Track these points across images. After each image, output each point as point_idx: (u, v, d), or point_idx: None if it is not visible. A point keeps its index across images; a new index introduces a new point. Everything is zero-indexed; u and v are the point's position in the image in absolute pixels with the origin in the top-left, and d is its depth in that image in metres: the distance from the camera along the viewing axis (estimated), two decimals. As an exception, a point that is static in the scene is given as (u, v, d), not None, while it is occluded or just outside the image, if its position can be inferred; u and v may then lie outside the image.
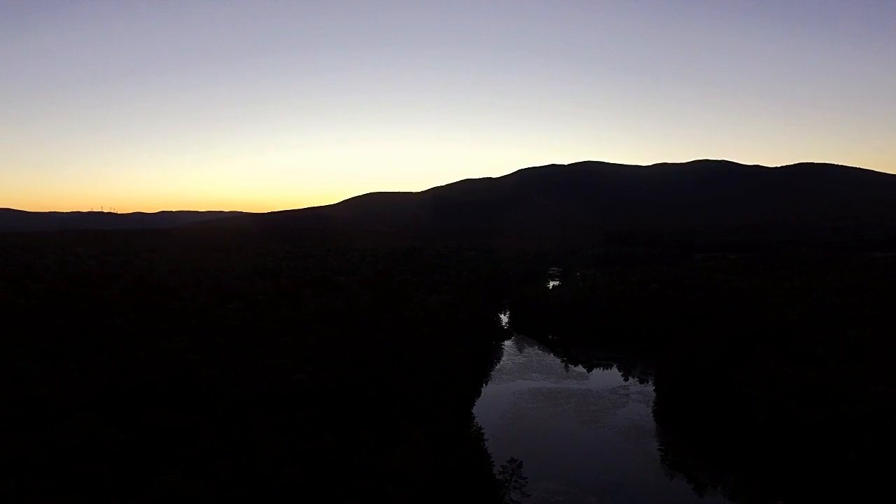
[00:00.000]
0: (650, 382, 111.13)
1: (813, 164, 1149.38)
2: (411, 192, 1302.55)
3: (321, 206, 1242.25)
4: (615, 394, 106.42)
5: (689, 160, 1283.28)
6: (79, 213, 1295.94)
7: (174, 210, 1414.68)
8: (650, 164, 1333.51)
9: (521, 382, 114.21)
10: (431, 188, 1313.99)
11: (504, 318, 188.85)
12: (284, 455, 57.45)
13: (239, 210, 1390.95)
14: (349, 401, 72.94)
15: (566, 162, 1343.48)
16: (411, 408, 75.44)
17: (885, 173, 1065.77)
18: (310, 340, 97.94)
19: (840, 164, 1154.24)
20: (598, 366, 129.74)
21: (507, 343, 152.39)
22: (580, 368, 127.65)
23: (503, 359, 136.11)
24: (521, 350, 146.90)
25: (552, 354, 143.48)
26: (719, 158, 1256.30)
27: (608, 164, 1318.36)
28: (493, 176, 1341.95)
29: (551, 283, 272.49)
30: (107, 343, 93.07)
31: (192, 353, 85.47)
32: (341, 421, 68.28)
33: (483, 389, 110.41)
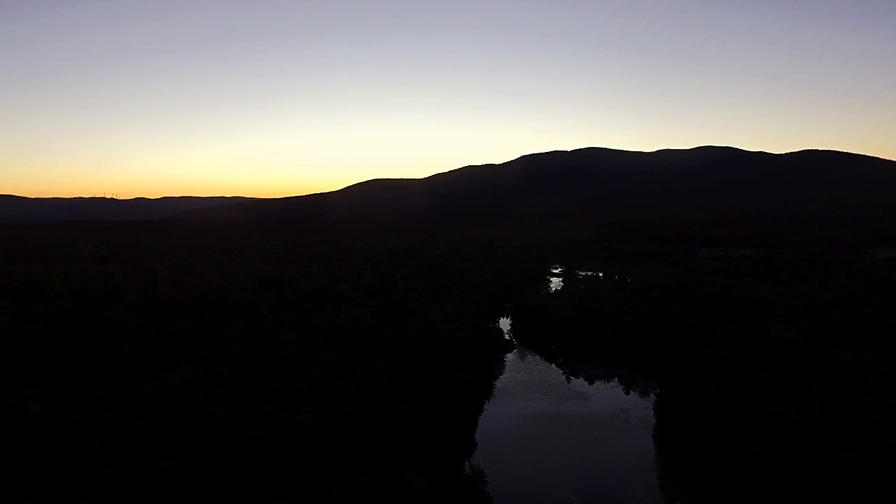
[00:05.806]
0: (651, 403, 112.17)
1: (819, 150, 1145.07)
2: (413, 179, 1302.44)
3: (323, 193, 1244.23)
4: (616, 419, 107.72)
5: (692, 146, 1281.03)
6: (81, 199, 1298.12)
7: (176, 196, 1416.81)
8: (653, 150, 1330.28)
9: (523, 404, 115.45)
10: (433, 175, 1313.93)
11: (506, 325, 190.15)
12: (291, 510, 58.72)
13: (241, 195, 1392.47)
14: (354, 445, 74.13)
15: (569, 148, 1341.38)
16: (415, 448, 76.73)
17: (891, 160, 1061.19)
18: (314, 369, 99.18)
19: (846, 150, 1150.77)
20: (599, 384, 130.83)
21: (510, 356, 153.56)
22: (582, 387, 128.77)
23: (505, 374, 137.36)
24: (523, 363, 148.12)
25: (554, 367, 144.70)
26: (723, 145, 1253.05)
27: (611, 150, 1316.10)
28: (496, 162, 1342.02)
29: (553, 285, 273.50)
30: (113, 372, 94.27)
31: (199, 388, 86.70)
32: (346, 465, 69.64)
33: (485, 411, 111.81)
